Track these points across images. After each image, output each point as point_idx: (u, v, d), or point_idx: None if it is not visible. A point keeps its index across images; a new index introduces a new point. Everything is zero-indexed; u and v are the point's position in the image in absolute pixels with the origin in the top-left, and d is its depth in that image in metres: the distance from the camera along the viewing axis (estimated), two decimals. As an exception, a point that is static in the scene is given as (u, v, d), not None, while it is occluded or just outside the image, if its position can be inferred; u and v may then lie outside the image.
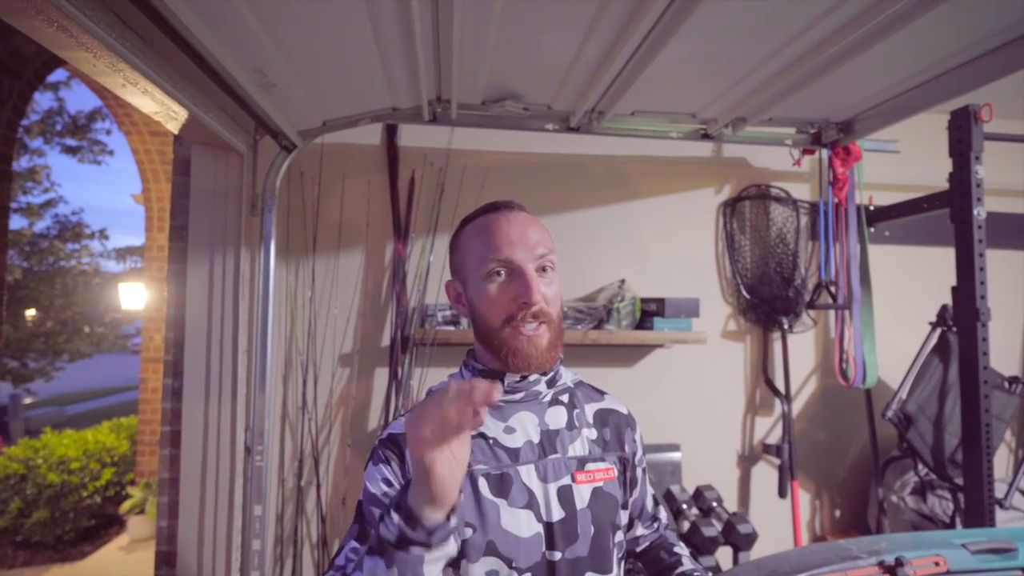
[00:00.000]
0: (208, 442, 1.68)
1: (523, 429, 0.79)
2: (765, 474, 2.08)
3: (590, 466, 0.80)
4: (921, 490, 1.86)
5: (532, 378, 0.80)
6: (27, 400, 8.02)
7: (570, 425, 0.82)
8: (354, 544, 0.73)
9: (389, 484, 0.75)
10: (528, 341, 0.75)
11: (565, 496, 0.77)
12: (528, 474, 0.76)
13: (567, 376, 0.87)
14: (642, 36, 1.22)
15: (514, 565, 0.73)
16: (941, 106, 1.49)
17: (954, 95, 1.43)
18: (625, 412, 0.89)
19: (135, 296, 5.16)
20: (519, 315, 0.74)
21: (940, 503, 1.82)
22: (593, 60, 1.35)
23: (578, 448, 0.80)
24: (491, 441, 0.78)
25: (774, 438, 2.08)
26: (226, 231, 1.71)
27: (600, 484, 0.80)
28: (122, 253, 7.43)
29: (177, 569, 1.67)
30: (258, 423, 1.65)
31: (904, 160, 2.12)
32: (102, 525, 4.08)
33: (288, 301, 1.86)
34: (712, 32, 1.21)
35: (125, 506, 3.86)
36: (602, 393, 0.91)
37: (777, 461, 1.97)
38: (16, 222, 6.07)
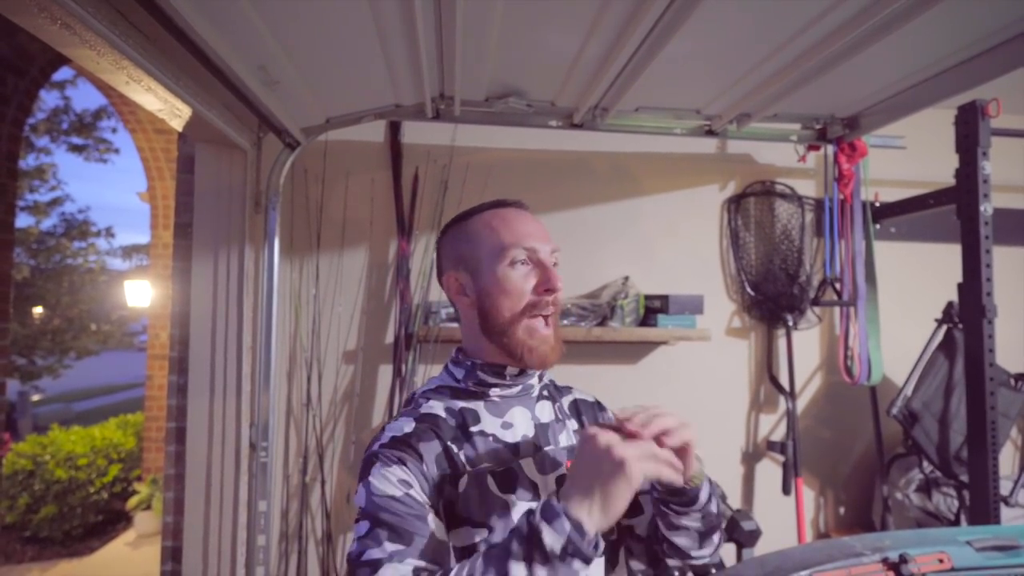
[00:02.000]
0: (213, 438, 1.69)
1: (519, 424, 0.80)
2: (769, 471, 2.08)
3: None
4: (926, 487, 1.85)
5: (530, 372, 0.80)
6: (35, 397, 8.08)
7: (556, 418, 0.84)
8: (394, 548, 0.64)
9: (407, 485, 0.69)
10: (544, 339, 0.77)
11: (563, 484, 0.75)
12: (529, 467, 0.77)
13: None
14: (645, 32, 1.21)
15: None
16: (948, 101, 1.48)
17: (961, 90, 1.41)
18: (592, 400, 0.93)
19: (141, 294, 5.20)
20: (542, 302, 0.76)
21: (945, 500, 1.81)
22: (596, 57, 1.34)
23: (564, 439, 0.82)
24: (491, 438, 0.77)
25: (778, 435, 2.08)
26: (230, 228, 1.72)
27: None
28: (128, 251, 7.46)
29: (183, 564, 1.68)
30: (263, 419, 1.66)
31: (910, 156, 2.10)
32: (109, 521, 4.12)
33: (292, 298, 1.87)
34: (715, 28, 1.21)
35: (131, 502, 3.90)
36: (569, 388, 0.93)
37: (781, 458, 1.96)
38: (23, 220, 6.11)
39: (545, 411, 0.83)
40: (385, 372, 1.90)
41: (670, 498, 0.76)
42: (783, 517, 1.98)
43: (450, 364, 0.85)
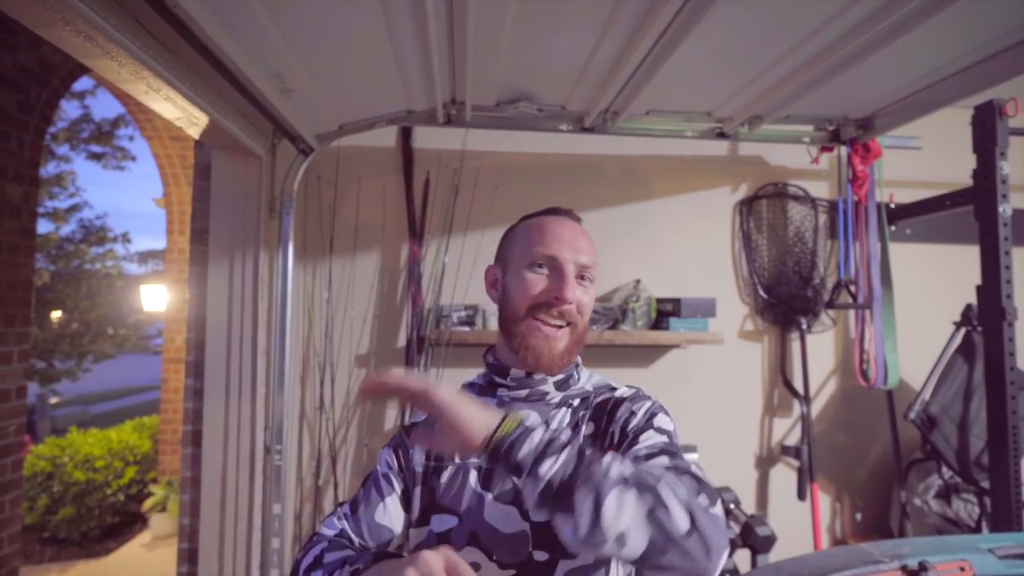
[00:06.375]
0: (228, 441, 1.71)
1: None
2: (784, 476, 2.06)
3: None
4: (945, 493, 1.82)
5: (538, 377, 0.79)
6: (53, 400, 8.22)
7: (572, 427, 0.79)
8: (345, 510, 0.80)
9: (389, 467, 0.82)
10: (545, 340, 0.76)
11: None
12: None
13: (588, 381, 0.85)
14: (657, 35, 1.21)
15: (495, 559, 0.72)
16: (964, 101, 1.46)
17: (978, 89, 1.40)
18: (620, 395, 0.81)
19: (157, 298, 5.27)
20: (548, 308, 0.76)
21: (965, 507, 1.78)
22: (607, 60, 1.35)
23: None
24: None
25: (793, 440, 2.05)
26: (245, 234, 1.74)
27: None
28: (144, 256, 7.58)
29: (198, 566, 1.70)
30: (277, 423, 1.68)
31: (926, 156, 2.08)
32: (125, 522, 4.17)
33: (306, 302, 1.88)
34: (728, 30, 1.21)
35: (147, 504, 3.95)
36: (613, 389, 0.84)
37: (796, 463, 1.94)
38: (43, 226, 6.22)
39: (561, 420, 0.79)
40: (397, 376, 1.91)
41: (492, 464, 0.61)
42: (798, 523, 1.95)
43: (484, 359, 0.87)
